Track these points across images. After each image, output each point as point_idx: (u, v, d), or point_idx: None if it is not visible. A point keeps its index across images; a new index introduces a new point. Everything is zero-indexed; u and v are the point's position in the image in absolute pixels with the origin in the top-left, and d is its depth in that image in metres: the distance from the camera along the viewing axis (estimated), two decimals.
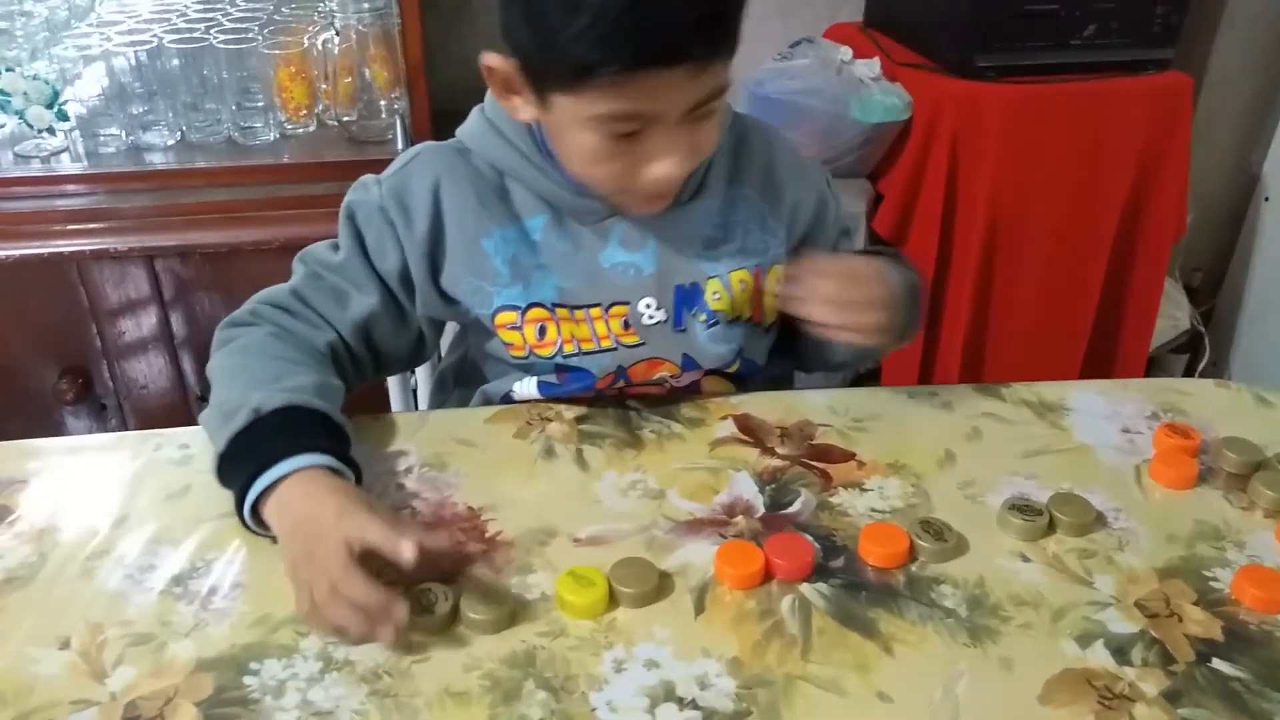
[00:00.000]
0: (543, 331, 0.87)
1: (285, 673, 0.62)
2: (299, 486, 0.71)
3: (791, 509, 0.77)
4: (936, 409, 0.90)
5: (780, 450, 0.84)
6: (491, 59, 0.79)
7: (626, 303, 0.87)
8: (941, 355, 1.83)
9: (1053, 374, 1.83)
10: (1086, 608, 0.68)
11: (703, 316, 0.89)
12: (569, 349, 0.87)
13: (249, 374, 0.80)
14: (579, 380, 0.89)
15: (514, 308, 0.87)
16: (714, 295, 0.89)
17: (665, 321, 0.88)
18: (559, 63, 0.72)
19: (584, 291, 0.88)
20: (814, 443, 0.85)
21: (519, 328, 0.87)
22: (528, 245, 0.87)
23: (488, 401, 0.95)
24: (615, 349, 0.88)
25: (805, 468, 0.82)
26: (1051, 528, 0.75)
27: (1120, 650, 0.65)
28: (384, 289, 0.88)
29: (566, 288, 0.87)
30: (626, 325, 0.88)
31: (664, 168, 0.77)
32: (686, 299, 0.89)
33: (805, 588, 0.69)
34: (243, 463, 0.73)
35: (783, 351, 1.00)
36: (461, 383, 1.01)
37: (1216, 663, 0.64)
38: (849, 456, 0.83)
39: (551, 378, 0.90)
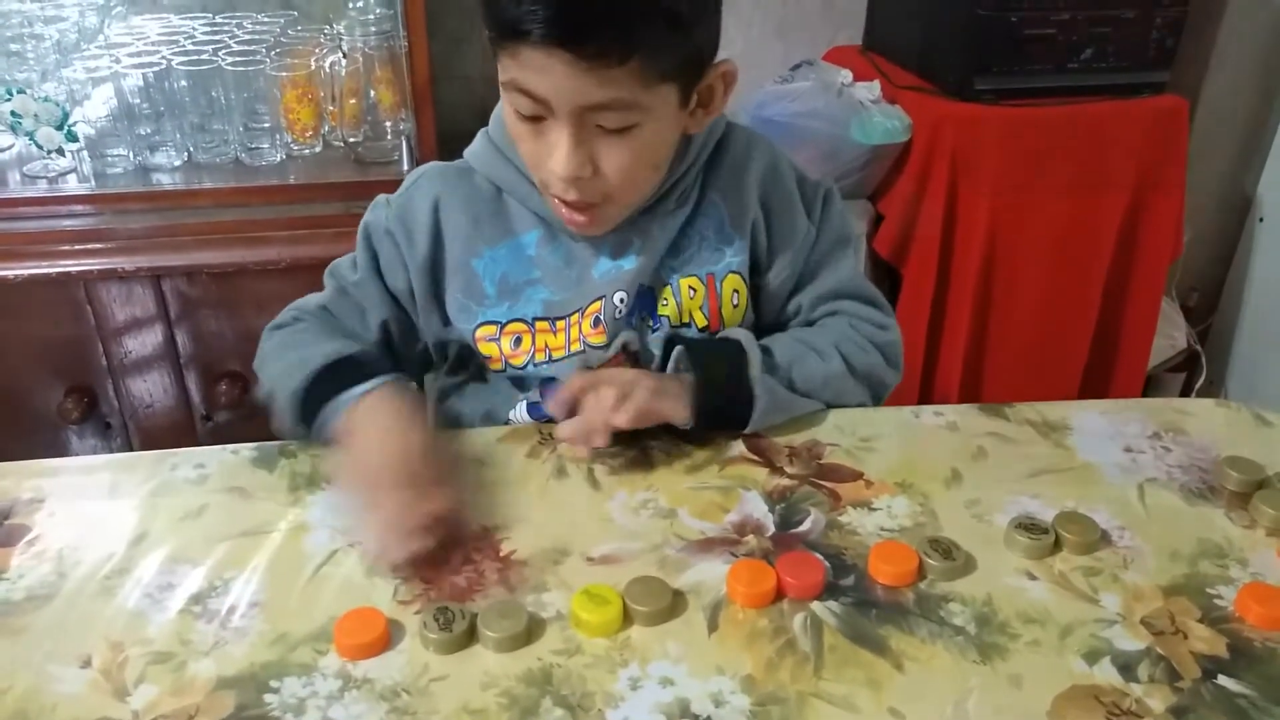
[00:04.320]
0: (518, 342, 0.90)
1: (305, 690, 0.63)
2: (379, 400, 0.80)
3: (801, 528, 0.78)
4: (942, 429, 0.91)
5: (789, 470, 0.85)
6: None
7: (602, 297, 0.89)
8: (941, 374, 1.84)
9: (1051, 393, 1.84)
10: (1093, 625, 0.69)
11: (650, 321, 0.91)
12: (540, 358, 0.90)
13: (316, 344, 0.87)
14: (555, 390, 0.90)
15: (494, 323, 0.90)
16: (663, 302, 0.91)
17: (630, 313, 0.90)
18: (488, 22, 0.76)
19: (570, 301, 0.90)
20: (822, 462, 0.86)
21: (496, 340, 0.90)
22: (521, 261, 0.90)
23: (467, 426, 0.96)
24: (583, 351, 0.90)
25: (814, 487, 0.83)
26: (1057, 546, 0.76)
27: (1127, 667, 0.66)
28: (396, 305, 0.93)
29: (554, 300, 0.90)
30: (596, 323, 0.89)
31: (552, 160, 0.79)
32: (642, 300, 0.91)
33: (816, 606, 0.70)
34: (329, 388, 0.81)
35: None
36: (463, 400, 1.02)
37: (1222, 679, 0.65)
38: (857, 476, 0.84)
39: (536, 396, 0.93)
